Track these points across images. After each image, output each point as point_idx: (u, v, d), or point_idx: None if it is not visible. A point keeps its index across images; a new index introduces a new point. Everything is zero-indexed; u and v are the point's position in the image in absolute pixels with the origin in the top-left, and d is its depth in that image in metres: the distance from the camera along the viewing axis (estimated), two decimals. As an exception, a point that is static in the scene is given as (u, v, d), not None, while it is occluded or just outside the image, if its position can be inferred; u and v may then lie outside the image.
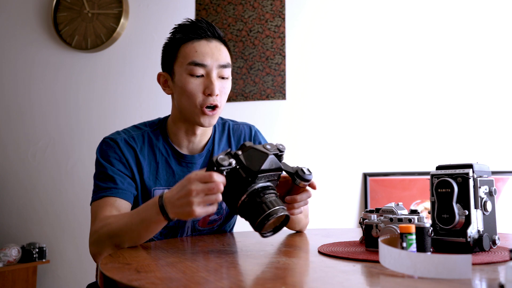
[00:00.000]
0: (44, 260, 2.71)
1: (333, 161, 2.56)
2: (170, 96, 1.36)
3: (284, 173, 1.08)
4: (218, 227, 1.42)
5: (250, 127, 1.48)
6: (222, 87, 1.28)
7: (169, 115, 1.40)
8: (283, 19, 2.66)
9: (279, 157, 1.07)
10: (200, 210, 0.97)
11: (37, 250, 2.68)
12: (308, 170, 1.09)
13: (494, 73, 2.43)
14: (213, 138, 1.40)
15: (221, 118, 1.46)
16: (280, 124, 2.64)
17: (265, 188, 0.99)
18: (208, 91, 1.25)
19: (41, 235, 2.87)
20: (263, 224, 0.96)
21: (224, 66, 1.27)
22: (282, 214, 0.97)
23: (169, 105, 1.40)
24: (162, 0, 2.84)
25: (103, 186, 1.24)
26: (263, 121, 2.61)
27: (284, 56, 2.65)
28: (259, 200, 0.97)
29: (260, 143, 1.47)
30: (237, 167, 0.98)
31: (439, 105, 2.48)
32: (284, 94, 2.63)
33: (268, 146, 1.04)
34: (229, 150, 1.00)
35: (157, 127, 1.36)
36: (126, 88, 2.85)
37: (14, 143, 2.97)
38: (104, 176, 1.25)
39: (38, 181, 2.91)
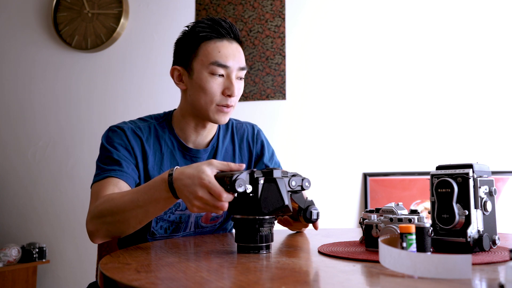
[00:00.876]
0: (44, 260, 2.71)
1: (333, 161, 2.56)
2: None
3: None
4: (220, 225, 1.43)
5: (253, 126, 1.51)
6: (239, 88, 1.31)
7: (174, 109, 1.41)
8: (283, 19, 2.66)
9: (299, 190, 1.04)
10: (197, 211, 0.99)
11: (37, 250, 2.68)
12: (317, 214, 1.08)
13: (494, 73, 2.43)
14: (218, 135, 1.42)
15: None
16: (280, 124, 2.64)
17: (265, 221, 0.98)
18: (228, 92, 1.27)
19: (41, 235, 2.87)
20: (244, 251, 0.98)
21: (243, 69, 1.31)
22: (263, 254, 0.97)
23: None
24: (162, 0, 2.84)
25: (107, 168, 1.24)
26: (263, 121, 2.61)
27: (284, 56, 2.65)
28: (253, 229, 0.97)
29: (262, 142, 1.49)
30: (251, 194, 0.96)
31: (439, 105, 2.48)
32: (284, 94, 2.63)
33: (293, 183, 1.00)
34: (253, 171, 0.97)
35: (163, 120, 1.38)
36: (126, 88, 2.85)
37: (15, 142, 2.97)
38: (109, 159, 1.26)
39: (38, 181, 2.91)
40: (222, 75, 1.28)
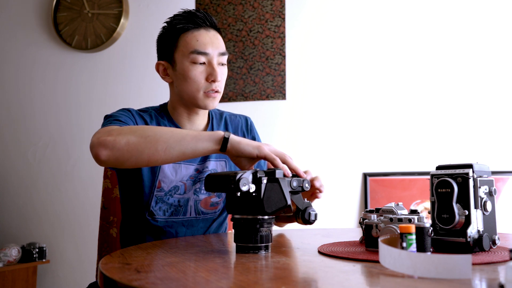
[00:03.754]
0: (44, 260, 2.71)
1: (333, 161, 2.56)
2: (168, 89, 1.41)
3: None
4: (220, 213, 1.45)
5: (246, 119, 1.54)
6: (222, 73, 1.34)
7: (166, 103, 1.45)
8: (283, 19, 2.66)
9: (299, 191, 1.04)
10: (267, 150, 1.08)
11: (37, 250, 2.68)
12: (315, 216, 1.07)
13: (493, 73, 2.43)
14: (212, 123, 1.46)
15: (218, 109, 1.52)
16: (280, 124, 2.64)
17: (265, 221, 0.98)
18: (211, 78, 1.31)
19: (41, 235, 2.87)
20: (243, 251, 0.98)
21: (223, 54, 1.35)
22: (262, 254, 0.97)
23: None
24: (162, 0, 2.84)
25: (118, 120, 1.26)
26: (263, 121, 2.61)
27: (284, 56, 2.65)
28: (253, 229, 0.97)
29: (253, 135, 1.53)
30: (254, 194, 0.96)
31: (439, 105, 2.48)
32: (284, 94, 2.63)
33: (294, 183, 1.00)
34: (256, 170, 0.98)
35: (161, 111, 1.43)
36: (126, 88, 2.85)
37: (15, 142, 2.97)
38: (117, 122, 1.27)
39: (38, 180, 2.91)
40: (204, 63, 1.32)
